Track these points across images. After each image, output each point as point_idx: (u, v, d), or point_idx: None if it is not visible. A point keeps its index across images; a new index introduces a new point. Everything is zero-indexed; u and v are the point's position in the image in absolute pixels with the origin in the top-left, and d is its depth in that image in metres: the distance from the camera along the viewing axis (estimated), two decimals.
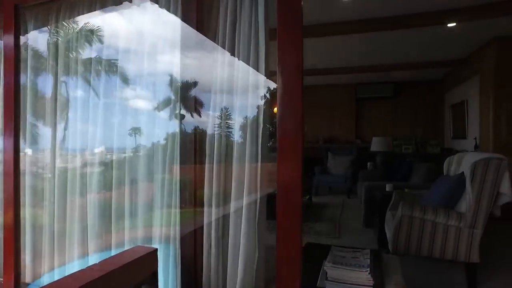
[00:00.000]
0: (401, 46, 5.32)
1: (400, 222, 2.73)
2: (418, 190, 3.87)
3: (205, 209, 1.58)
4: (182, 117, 1.88)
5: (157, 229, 1.76)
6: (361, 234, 4.13)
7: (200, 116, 1.90)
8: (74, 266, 2.00)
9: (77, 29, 2.22)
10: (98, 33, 2.20)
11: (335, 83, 8.49)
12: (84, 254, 2.00)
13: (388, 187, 3.96)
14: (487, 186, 2.51)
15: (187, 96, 1.88)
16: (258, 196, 1.55)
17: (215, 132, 1.59)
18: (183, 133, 1.79)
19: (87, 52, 2.20)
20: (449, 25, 4.24)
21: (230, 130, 1.60)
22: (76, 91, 2.23)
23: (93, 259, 1.97)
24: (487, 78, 5.09)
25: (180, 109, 1.86)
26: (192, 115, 1.84)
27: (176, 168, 1.67)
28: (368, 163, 7.06)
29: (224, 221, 1.60)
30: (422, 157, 7.80)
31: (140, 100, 2.08)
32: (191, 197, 1.66)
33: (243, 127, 1.60)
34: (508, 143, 4.79)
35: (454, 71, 6.72)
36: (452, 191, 2.69)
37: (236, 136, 1.57)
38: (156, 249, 1.52)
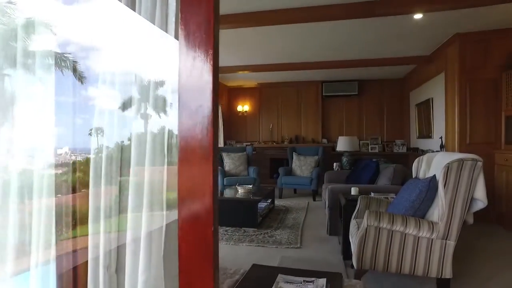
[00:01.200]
0: (365, 41, 5.05)
1: (366, 234, 2.36)
2: (385, 193, 3.56)
3: (90, 236, 1.09)
4: None
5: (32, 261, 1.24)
6: (325, 243, 3.76)
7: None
8: None
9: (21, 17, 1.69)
10: (45, 22, 1.67)
11: (300, 80, 8.21)
12: None
13: (353, 191, 3.62)
14: (461, 191, 2.19)
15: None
16: (164, 213, 1.08)
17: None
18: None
19: (32, 44, 1.68)
20: (415, 16, 3.98)
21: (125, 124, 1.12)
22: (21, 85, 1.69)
23: None
24: (451, 76, 4.93)
25: None
26: None
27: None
28: (334, 164, 6.79)
29: (118, 252, 1.12)
30: (389, 157, 7.69)
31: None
32: (68, 220, 1.17)
33: (145, 120, 1.13)
34: (473, 143, 4.64)
35: (418, 68, 6.59)
36: (423, 196, 2.35)
37: (134, 132, 1.09)
38: None
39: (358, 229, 2.60)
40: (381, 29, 4.52)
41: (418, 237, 2.28)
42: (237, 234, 4.13)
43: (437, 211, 2.28)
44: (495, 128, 4.58)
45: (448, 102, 5.07)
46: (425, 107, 6.27)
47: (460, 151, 4.68)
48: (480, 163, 2.19)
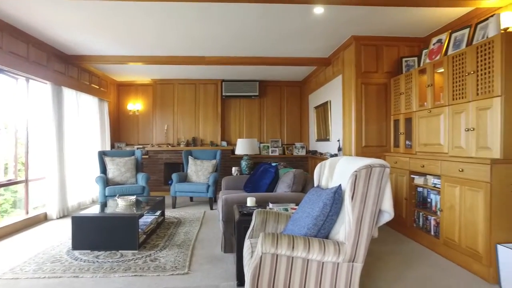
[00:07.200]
0: (264, 37, 4.69)
1: (261, 263, 1.84)
2: (285, 203, 3.16)
3: None
4: None
5: None
6: (218, 265, 3.17)
7: None
8: None
9: None
10: None
11: (199, 78, 7.57)
12: None
13: (249, 202, 3.12)
14: (369, 203, 1.84)
15: None
16: None
17: None
18: None
19: None
20: (316, 10, 3.73)
21: None
22: None
23: None
24: (348, 79, 4.91)
25: None
26: None
27: None
28: (233, 168, 6.33)
29: None
30: (289, 160, 7.59)
31: None
32: None
33: None
34: (368, 146, 4.66)
35: (317, 71, 6.60)
36: (327, 211, 1.95)
37: None
38: None
39: (252, 254, 2.08)
40: (281, 23, 4.18)
41: (323, 263, 1.86)
42: (110, 260, 3.25)
43: (343, 228, 1.90)
44: (386, 131, 4.69)
45: (345, 105, 5.05)
46: (323, 109, 6.27)
47: (357, 153, 4.66)
48: (388, 170, 1.88)
